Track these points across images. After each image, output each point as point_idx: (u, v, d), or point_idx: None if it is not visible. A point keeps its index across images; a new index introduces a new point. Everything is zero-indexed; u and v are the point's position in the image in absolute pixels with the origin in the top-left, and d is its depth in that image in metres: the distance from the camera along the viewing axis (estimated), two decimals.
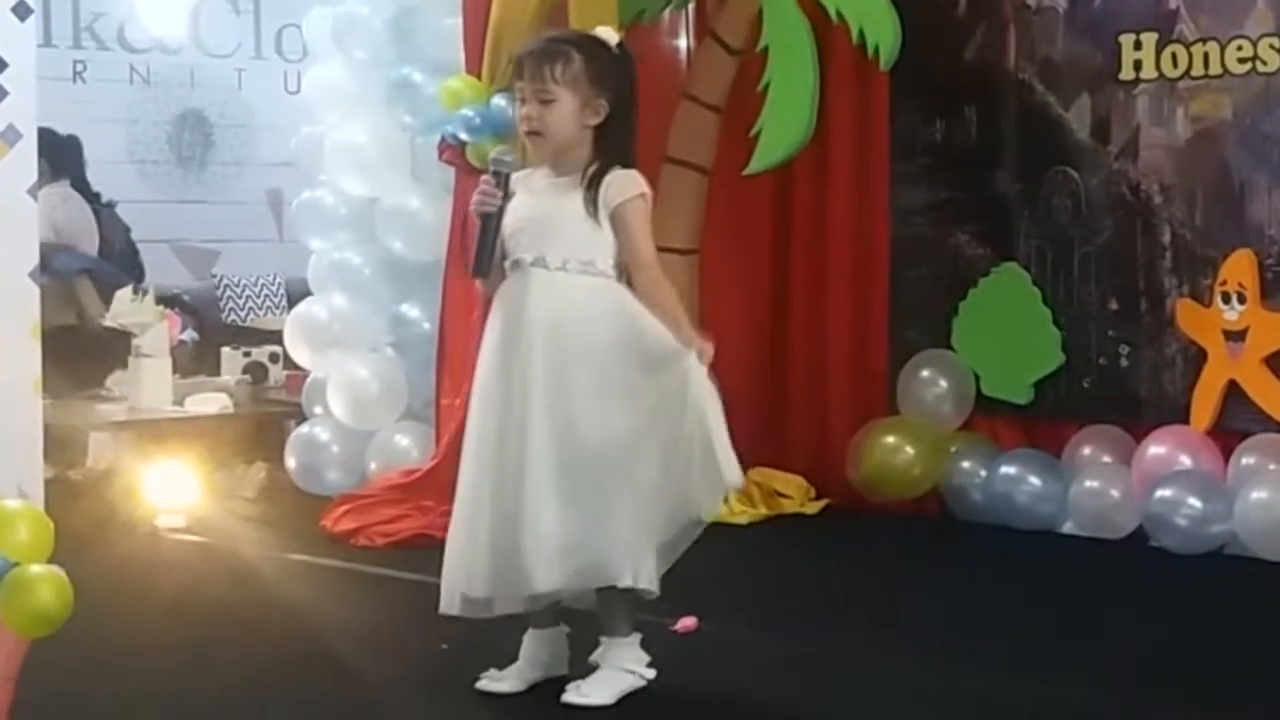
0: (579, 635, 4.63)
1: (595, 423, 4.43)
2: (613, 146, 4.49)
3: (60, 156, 9.07)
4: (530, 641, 4.62)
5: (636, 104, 4.57)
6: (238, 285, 11.57)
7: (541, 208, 4.49)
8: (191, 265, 11.72)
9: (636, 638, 4.58)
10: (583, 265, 4.45)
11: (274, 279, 11.35)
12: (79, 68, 11.38)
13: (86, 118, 10.80)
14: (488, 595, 4.50)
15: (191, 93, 11.70)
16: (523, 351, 4.45)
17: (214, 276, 11.68)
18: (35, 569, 3.60)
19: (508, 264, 4.52)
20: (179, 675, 4.84)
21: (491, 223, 4.48)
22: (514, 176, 4.57)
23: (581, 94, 4.43)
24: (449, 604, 4.53)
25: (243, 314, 11.32)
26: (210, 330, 9.25)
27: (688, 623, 5.22)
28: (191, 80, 11.71)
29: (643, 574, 4.44)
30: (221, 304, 11.56)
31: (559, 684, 4.53)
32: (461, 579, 4.51)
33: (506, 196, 4.49)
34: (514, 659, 4.63)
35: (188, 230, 11.67)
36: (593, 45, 4.51)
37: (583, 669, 4.56)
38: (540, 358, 4.43)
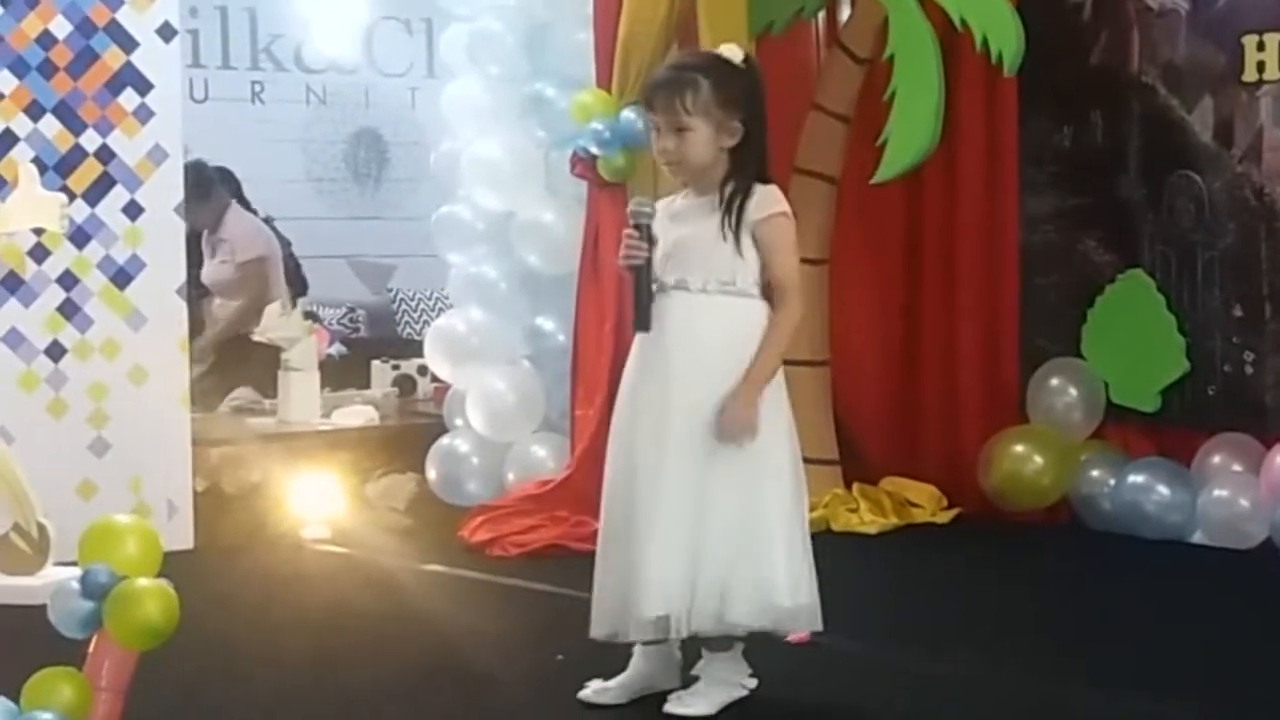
0: (688, 648, 4.64)
1: (728, 451, 4.46)
2: (748, 163, 4.51)
3: (230, 184, 9.26)
4: (638, 654, 4.63)
5: (765, 117, 4.57)
6: (412, 299, 11.76)
7: (683, 230, 4.52)
8: (368, 280, 11.94)
9: (739, 648, 4.59)
10: (722, 285, 4.47)
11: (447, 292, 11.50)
12: (257, 89, 11.64)
13: (265, 138, 11.11)
14: (612, 620, 4.54)
15: (366, 112, 11.93)
16: (660, 375, 4.51)
17: (389, 291, 11.89)
18: (142, 582, 3.67)
19: (654, 286, 4.54)
20: (301, 685, 4.95)
21: (643, 274, 4.50)
22: (660, 204, 4.62)
23: (714, 119, 4.46)
24: (595, 628, 4.59)
25: (417, 327, 11.49)
26: (359, 344, 9.38)
27: (800, 634, 5.20)
28: (366, 99, 11.94)
29: (767, 613, 4.48)
30: (397, 318, 11.76)
31: (665, 697, 4.55)
32: (598, 601, 4.57)
33: (652, 245, 4.51)
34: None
35: (364, 246, 11.90)
36: (720, 67, 4.52)
37: (688, 680, 4.59)
38: (678, 382, 4.48)
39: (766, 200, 4.48)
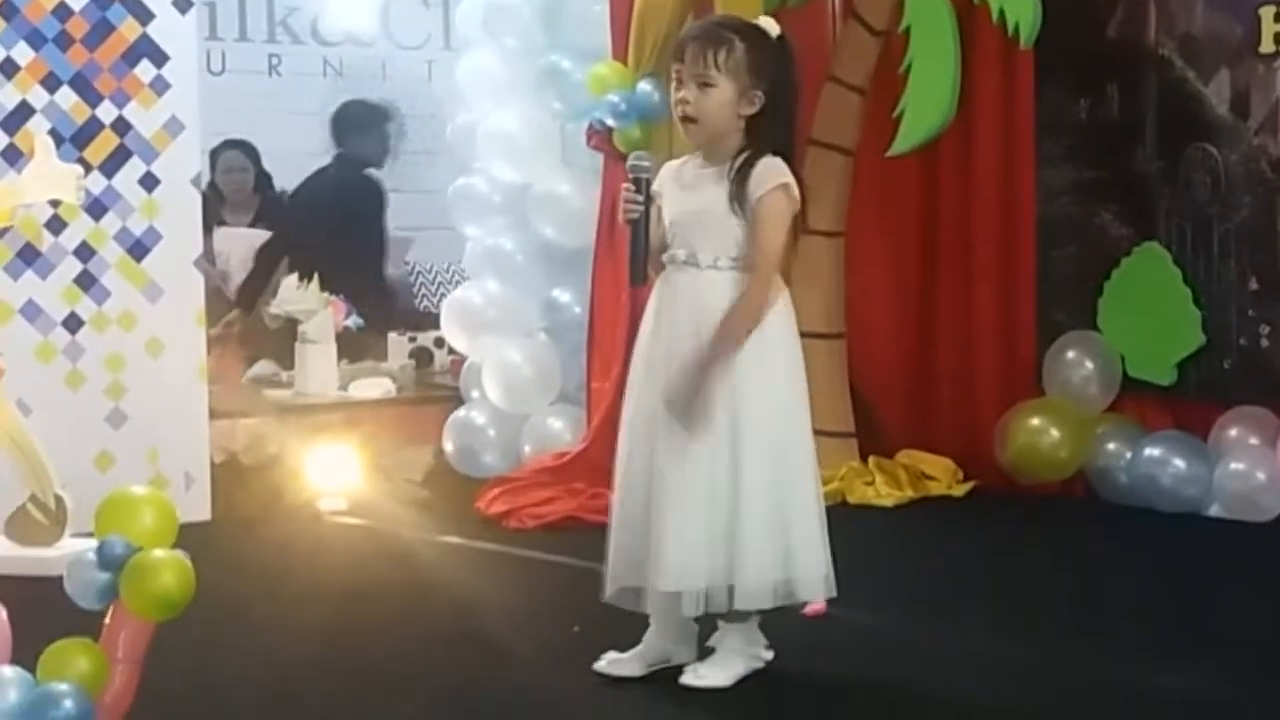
0: (704, 620, 4.65)
1: (749, 420, 4.46)
2: (764, 138, 4.50)
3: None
4: (654, 626, 4.64)
5: (794, 97, 4.59)
6: (430, 272, 11.74)
7: (693, 203, 4.52)
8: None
9: (755, 620, 4.61)
10: (733, 262, 4.48)
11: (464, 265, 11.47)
12: (274, 61, 11.58)
13: (281, 110, 11.04)
14: (630, 586, 4.57)
15: (383, 84, 11.85)
16: (668, 349, 4.51)
17: (407, 264, 11.87)
18: (158, 553, 3.68)
19: (665, 257, 4.55)
20: (318, 656, 4.98)
21: (640, 229, 4.52)
22: (668, 166, 4.63)
23: (740, 83, 4.46)
24: (609, 592, 4.61)
25: (435, 300, 11.48)
26: (377, 316, 9.39)
27: (817, 606, 5.20)
28: (383, 72, 11.87)
29: (789, 585, 4.52)
30: (415, 290, 11.75)
31: (681, 669, 4.57)
32: (611, 568, 4.59)
33: (649, 200, 4.52)
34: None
35: None
36: (755, 35, 4.52)
37: (703, 652, 4.61)
38: (686, 356, 4.48)
39: (768, 173, 4.46)
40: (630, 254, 4.56)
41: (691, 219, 4.51)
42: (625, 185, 4.56)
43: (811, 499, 4.55)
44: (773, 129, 4.51)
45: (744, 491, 4.44)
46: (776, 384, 4.51)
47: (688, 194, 4.54)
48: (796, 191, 4.49)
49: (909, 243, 7.83)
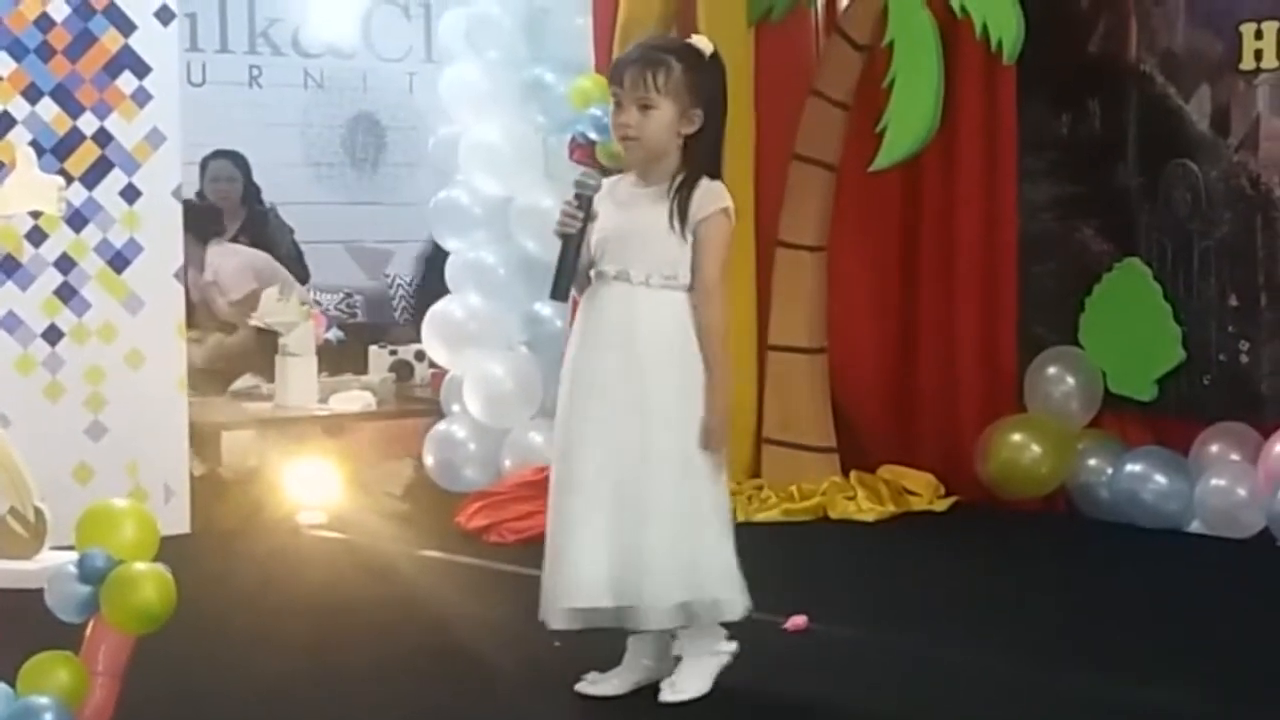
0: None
1: (663, 439, 4.46)
2: (702, 156, 4.52)
3: None
4: (633, 645, 4.65)
5: (725, 114, 4.60)
6: (410, 284, 11.73)
7: (628, 220, 4.52)
8: (365, 265, 11.91)
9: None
10: (665, 280, 4.48)
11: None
12: (255, 73, 11.56)
13: (262, 122, 11.04)
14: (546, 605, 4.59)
15: (364, 96, 11.85)
16: (598, 364, 4.51)
17: (387, 276, 11.86)
18: (139, 566, 3.68)
19: (593, 273, 4.56)
20: (297, 670, 4.98)
21: (571, 244, 4.51)
22: (603, 183, 4.61)
23: (680, 103, 4.47)
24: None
25: (415, 313, 11.46)
26: (356, 329, 9.39)
27: (798, 621, 5.21)
28: (364, 84, 11.86)
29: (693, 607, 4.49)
30: (395, 303, 11.74)
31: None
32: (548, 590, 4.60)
33: (589, 218, 4.51)
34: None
35: (361, 231, 11.85)
36: (691, 54, 4.54)
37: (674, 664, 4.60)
38: (615, 372, 4.48)
39: (710, 196, 4.48)
40: (557, 267, 4.54)
41: (626, 236, 4.51)
42: (567, 200, 4.55)
43: (719, 522, 4.54)
44: (709, 147, 4.54)
45: (650, 506, 4.43)
46: (686, 398, 4.49)
47: (622, 211, 4.53)
48: (734, 216, 4.54)
49: (891, 257, 7.82)
